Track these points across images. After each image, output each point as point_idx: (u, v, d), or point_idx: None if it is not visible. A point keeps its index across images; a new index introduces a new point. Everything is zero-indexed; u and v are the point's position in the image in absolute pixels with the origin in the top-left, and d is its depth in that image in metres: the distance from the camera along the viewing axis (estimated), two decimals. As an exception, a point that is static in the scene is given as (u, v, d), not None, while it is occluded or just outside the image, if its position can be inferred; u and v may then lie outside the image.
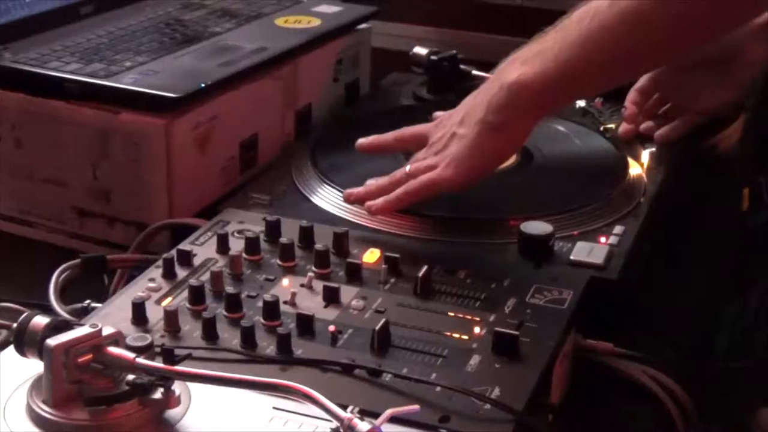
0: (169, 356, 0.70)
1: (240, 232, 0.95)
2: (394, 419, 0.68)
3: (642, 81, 1.20)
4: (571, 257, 0.93)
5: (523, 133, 0.98)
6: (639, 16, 0.89)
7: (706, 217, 1.17)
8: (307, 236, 0.93)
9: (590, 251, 0.94)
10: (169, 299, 0.85)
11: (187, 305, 0.84)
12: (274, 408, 0.71)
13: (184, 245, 0.92)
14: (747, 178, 1.26)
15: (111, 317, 0.82)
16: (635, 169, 1.11)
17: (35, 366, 0.70)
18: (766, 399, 1.06)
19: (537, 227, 0.95)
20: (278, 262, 0.91)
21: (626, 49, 0.92)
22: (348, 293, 0.86)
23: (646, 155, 1.14)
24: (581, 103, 1.24)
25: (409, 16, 1.44)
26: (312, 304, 0.85)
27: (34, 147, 1.07)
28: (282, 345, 0.78)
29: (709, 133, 1.23)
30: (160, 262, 0.89)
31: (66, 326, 0.71)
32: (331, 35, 1.27)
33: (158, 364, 0.69)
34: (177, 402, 0.69)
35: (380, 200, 0.98)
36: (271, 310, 0.82)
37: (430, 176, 0.97)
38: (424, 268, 0.87)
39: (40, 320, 0.71)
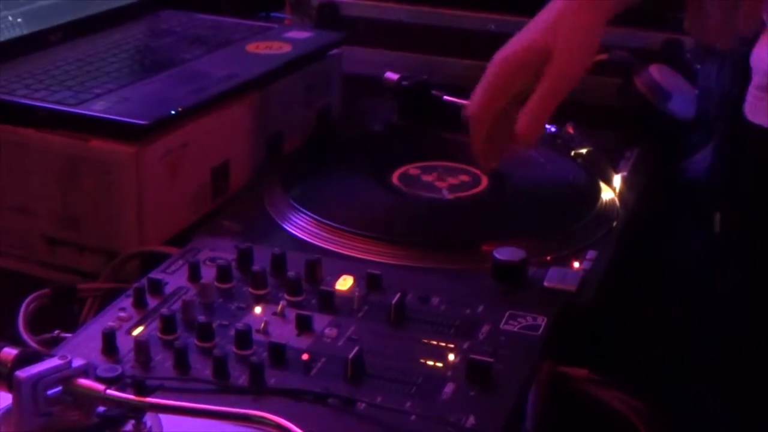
0: (140, 387, 0.69)
1: (211, 260, 0.94)
2: (369, 449, 0.67)
3: None
4: (545, 283, 0.93)
5: None
6: None
7: (678, 240, 1.17)
8: (279, 264, 0.93)
9: (563, 277, 0.94)
10: (140, 329, 0.84)
11: (159, 335, 0.83)
12: (247, 439, 0.70)
13: (155, 274, 0.92)
14: (718, 202, 1.26)
15: (81, 348, 0.81)
16: (607, 194, 1.11)
17: (4, 398, 0.69)
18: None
19: (510, 253, 0.95)
20: (250, 290, 0.90)
21: None
22: (321, 321, 0.86)
23: (617, 180, 1.15)
24: (552, 129, 1.24)
25: (380, 42, 1.44)
26: (284, 332, 0.84)
27: (1, 175, 1.06)
28: (255, 375, 0.78)
29: (679, 158, 1.23)
30: (130, 291, 0.88)
31: (35, 357, 0.70)
32: (301, 61, 1.27)
33: (129, 395, 0.68)
34: (148, 434, 0.68)
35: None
36: (244, 339, 0.81)
37: None
38: (398, 295, 0.87)
39: (9, 351, 0.70)
